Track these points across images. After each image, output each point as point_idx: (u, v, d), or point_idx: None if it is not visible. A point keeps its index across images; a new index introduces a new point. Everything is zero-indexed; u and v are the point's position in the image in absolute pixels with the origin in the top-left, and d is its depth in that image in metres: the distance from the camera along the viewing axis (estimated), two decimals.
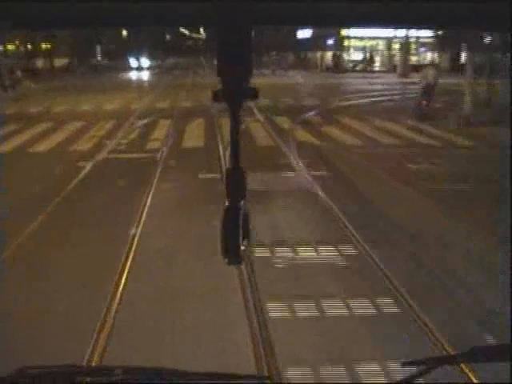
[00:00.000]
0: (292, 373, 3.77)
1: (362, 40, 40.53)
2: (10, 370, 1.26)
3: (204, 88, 25.73)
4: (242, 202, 1.16)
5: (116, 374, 1.26)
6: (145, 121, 15.99)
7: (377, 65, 40.86)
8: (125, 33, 67.20)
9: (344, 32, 38.73)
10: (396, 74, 36.09)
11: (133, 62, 50.12)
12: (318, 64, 41.45)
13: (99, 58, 54.11)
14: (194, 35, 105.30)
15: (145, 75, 42.55)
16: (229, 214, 1.15)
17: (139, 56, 53.41)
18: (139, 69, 47.83)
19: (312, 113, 17.35)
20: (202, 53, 78.67)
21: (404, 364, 1.28)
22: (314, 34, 41.09)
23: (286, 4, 0.99)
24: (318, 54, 42.03)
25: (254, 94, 1.10)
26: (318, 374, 3.77)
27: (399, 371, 1.43)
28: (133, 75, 42.30)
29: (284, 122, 15.58)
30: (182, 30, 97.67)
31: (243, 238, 1.15)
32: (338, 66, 38.85)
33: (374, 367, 3.80)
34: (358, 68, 39.66)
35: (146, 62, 52.80)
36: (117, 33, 63.19)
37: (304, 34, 42.85)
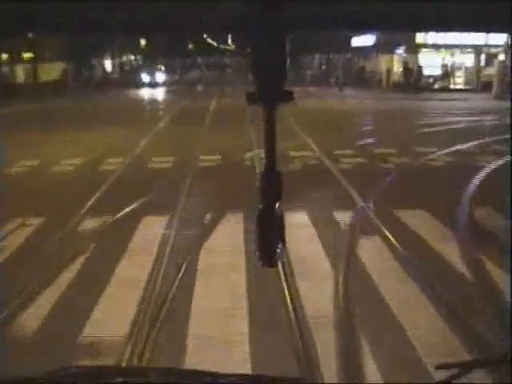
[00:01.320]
0: None
1: (439, 50, 30.99)
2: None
3: (236, 120, 16.49)
4: (277, 205, 1.13)
5: (151, 375, 1.23)
6: (112, 218, 7.06)
7: (459, 81, 31.30)
8: (143, 42, 59.02)
9: (419, 39, 29.41)
10: (491, 95, 26.70)
11: (145, 77, 41.22)
12: (383, 80, 31.97)
13: (109, 70, 45.71)
14: (221, 46, 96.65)
15: (157, 94, 33.68)
16: (263, 216, 1.13)
17: (153, 69, 44.79)
18: (152, 85, 38.84)
19: (465, 196, 8.08)
20: (230, 66, 70.26)
21: (437, 367, 1.20)
22: (377, 41, 31.88)
23: (322, 6, 0.99)
24: (383, 67, 32.57)
25: (290, 96, 1.08)
26: None
27: (433, 374, 1.18)
28: (142, 94, 33.49)
29: (435, 237, 6.37)
30: (209, 40, 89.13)
31: (278, 241, 1.14)
32: (410, 83, 29.44)
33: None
34: (436, 86, 30.24)
35: (161, 76, 44.04)
36: (135, 42, 54.97)
37: (362, 41, 33.66)
